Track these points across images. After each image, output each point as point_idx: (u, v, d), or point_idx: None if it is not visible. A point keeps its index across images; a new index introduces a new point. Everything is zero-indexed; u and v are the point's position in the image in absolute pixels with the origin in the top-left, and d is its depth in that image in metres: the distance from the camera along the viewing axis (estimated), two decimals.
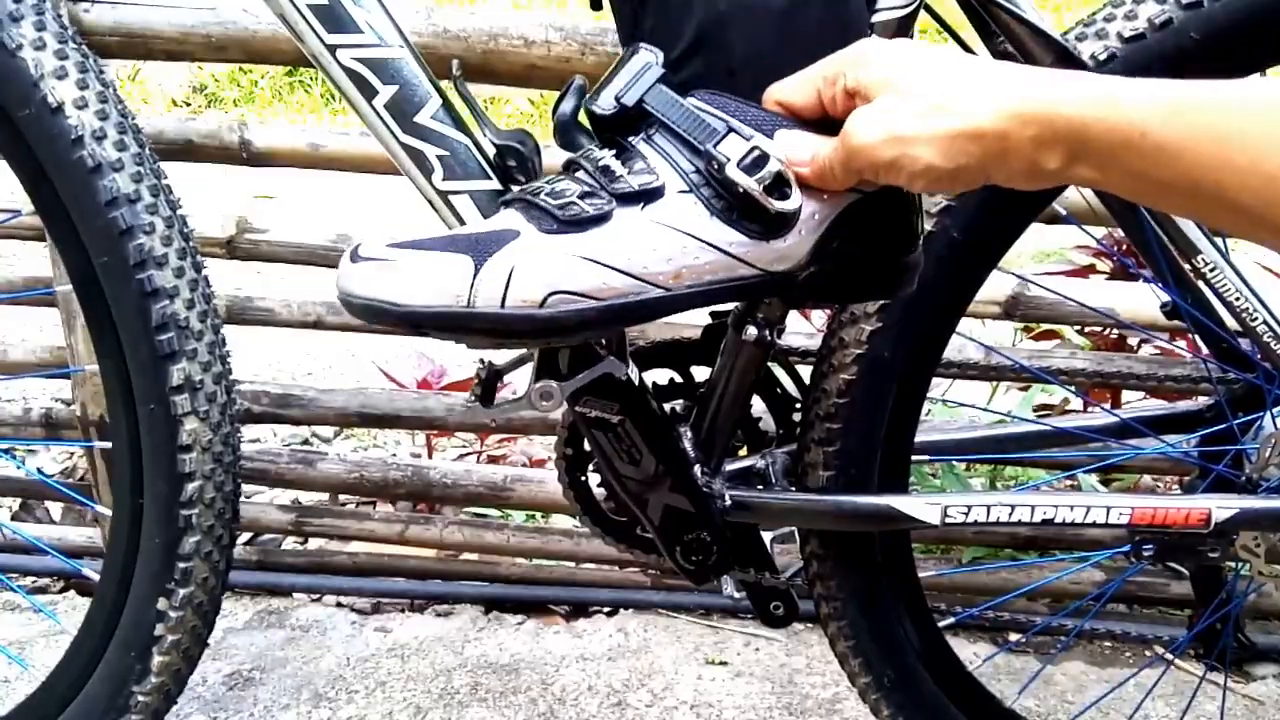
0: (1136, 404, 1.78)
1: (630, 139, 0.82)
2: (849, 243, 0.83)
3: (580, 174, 0.83)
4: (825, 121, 0.76)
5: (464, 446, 2.29)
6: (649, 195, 0.80)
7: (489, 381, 0.97)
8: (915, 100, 0.66)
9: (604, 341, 0.94)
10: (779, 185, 0.78)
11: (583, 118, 0.87)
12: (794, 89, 0.77)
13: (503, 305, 0.79)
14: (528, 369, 0.95)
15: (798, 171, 0.77)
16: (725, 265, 0.81)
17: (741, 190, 0.78)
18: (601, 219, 0.80)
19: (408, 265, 0.79)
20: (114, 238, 1.01)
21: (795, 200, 0.78)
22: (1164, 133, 0.58)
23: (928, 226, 0.95)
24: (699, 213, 0.80)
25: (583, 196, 0.81)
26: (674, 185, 0.80)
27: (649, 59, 0.82)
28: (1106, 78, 0.63)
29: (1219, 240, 1.03)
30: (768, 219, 0.79)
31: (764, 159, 0.77)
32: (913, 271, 0.88)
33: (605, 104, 0.82)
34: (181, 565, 1.10)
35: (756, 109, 0.79)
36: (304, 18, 0.89)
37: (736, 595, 1.10)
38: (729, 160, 0.78)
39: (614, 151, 0.83)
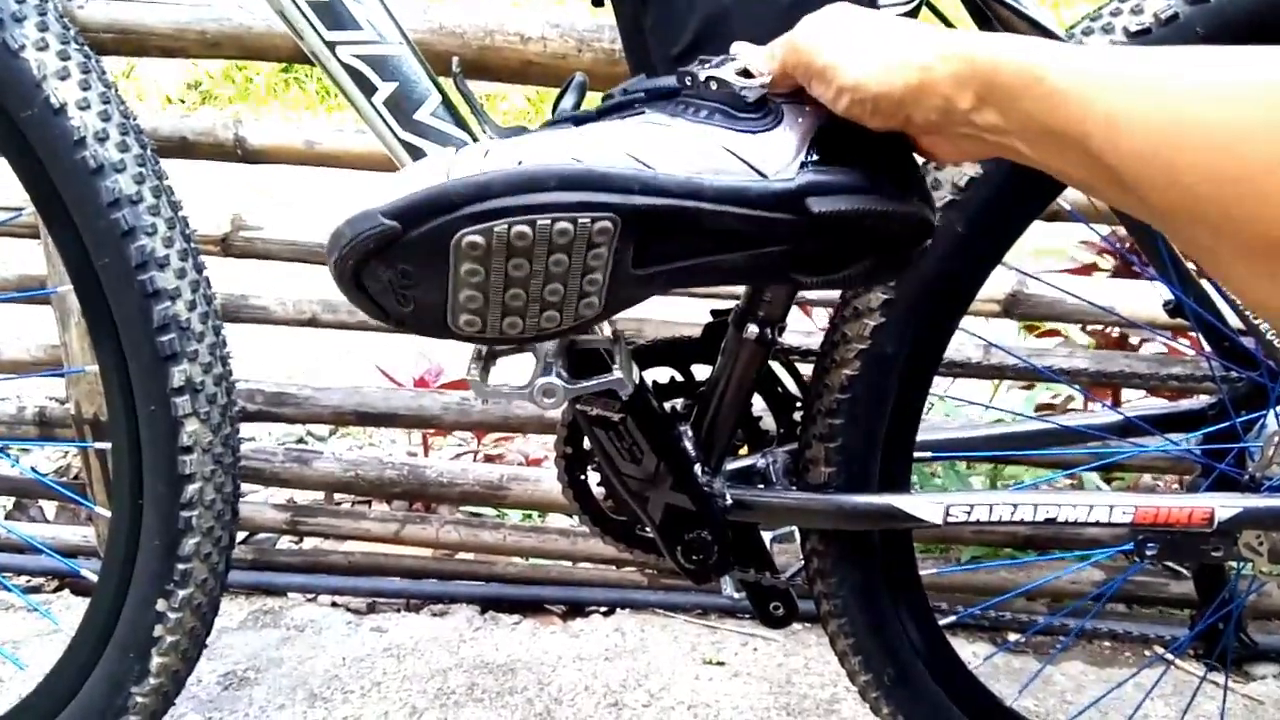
0: (1139, 402, 1.79)
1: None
2: (833, 154, 0.78)
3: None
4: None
5: (460, 445, 2.29)
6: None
7: (488, 359, 0.96)
8: (863, 29, 0.69)
9: (614, 355, 0.93)
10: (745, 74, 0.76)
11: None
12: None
13: (483, 169, 0.75)
14: (526, 357, 0.94)
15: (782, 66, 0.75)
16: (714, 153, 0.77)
17: (708, 80, 0.76)
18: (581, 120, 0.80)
19: (390, 184, 0.76)
20: (116, 239, 1.01)
21: (762, 79, 0.76)
22: (1060, 78, 0.58)
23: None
24: (671, 113, 0.78)
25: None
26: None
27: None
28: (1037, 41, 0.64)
29: None
30: (746, 105, 0.76)
31: (727, 60, 0.76)
32: (921, 231, 0.82)
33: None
34: (181, 567, 1.10)
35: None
36: (303, 14, 0.89)
37: (736, 595, 1.09)
38: (702, 67, 0.76)
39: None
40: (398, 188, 0.74)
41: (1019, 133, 0.63)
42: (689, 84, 0.77)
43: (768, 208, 0.75)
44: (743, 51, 0.77)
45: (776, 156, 0.76)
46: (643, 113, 0.78)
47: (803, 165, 0.75)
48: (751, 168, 0.75)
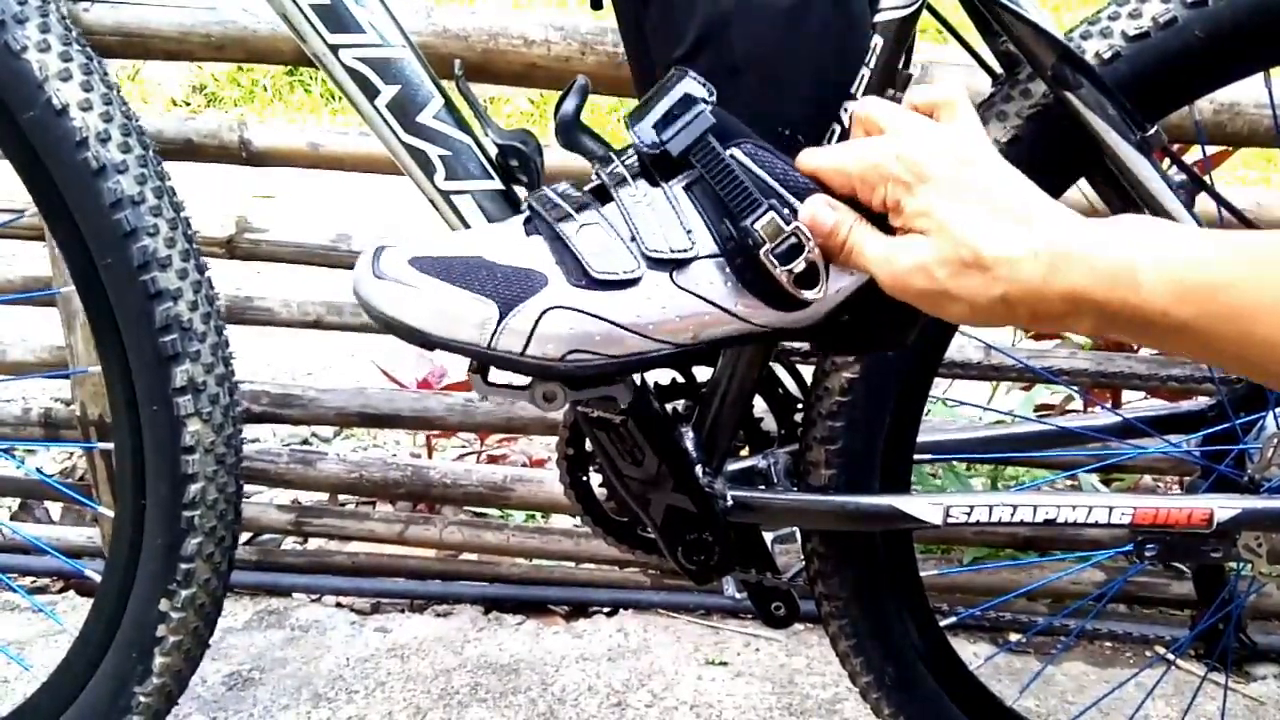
0: (1138, 403, 1.78)
1: (668, 185, 0.81)
2: (861, 315, 0.84)
3: (612, 216, 0.81)
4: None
5: (464, 446, 2.29)
6: (681, 263, 0.80)
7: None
8: (953, 249, 0.67)
9: None
10: (809, 275, 0.78)
11: (584, 118, 0.87)
12: (831, 172, 0.75)
13: (522, 353, 0.80)
14: None
15: (816, 238, 0.76)
16: (741, 328, 0.82)
17: (770, 273, 0.78)
18: (631, 283, 0.80)
19: (432, 297, 0.80)
20: (118, 240, 1.01)
21: (821, 292, 0.78)
22: (1184, 314, 0.60)
23: None
24: (725, 280, 0.80)
25: (613, 249, 0.80)
26: (705, 248, 0.80)
27: (699, 97, 0.80)
28: (1133, 234, 0.64)
29: None
30: (792, 299, 0.79)
31: (799, 247, 0.76)
32: (918, 329, 0.88)
33: (646, 139, 0.80)
34: (184, 567, 1.10)
35: (799, 176, 0.78)
36: (306, 18, 0.89)
37: (738, 595, 1.10)
38: (764, 244, 0.77)
39: (646, 196, 0.81)
40: (438, 321, 0.80)
41: (1144, 344, 0.67)
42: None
43: None
44: (814, 216, 0.76)
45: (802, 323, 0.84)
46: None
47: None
48: (776, 330, 0.84)
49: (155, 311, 1.03)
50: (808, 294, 0.78)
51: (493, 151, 0.92)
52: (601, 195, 0.83)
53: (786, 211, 0.77)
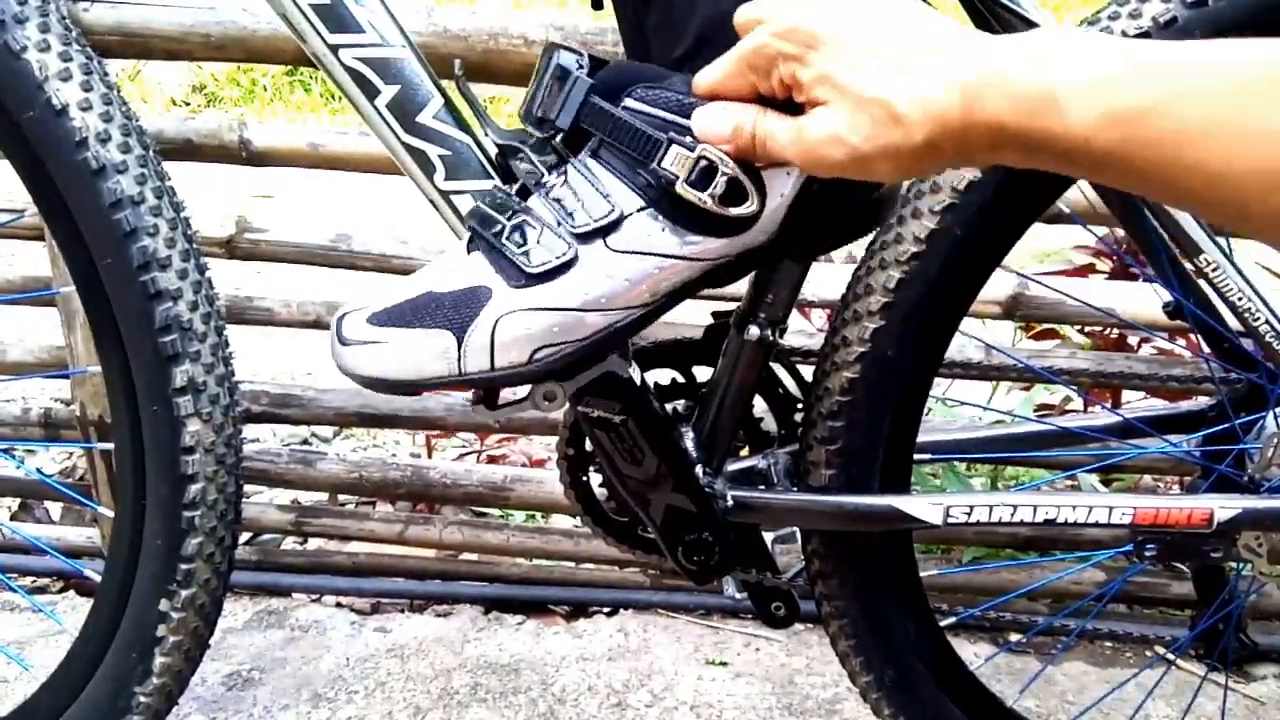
0: (1138, 404, 1.78)
1: (576, 159, 0.82)
2: (817, 211, 0.82)
3: (536, 207, 0.82)
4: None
5: (464, 446, 2.29)
6: (609, 227, 0.80)
7: None
8: (862, 109, 0.64)
9: None
10: (733, 191, 0.77)
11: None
12: (724, 80, 0.73)
13: (492, 368, 0.82)
14: None
15: (721, 147, 0.75)
16: (694, 268, 0.81)
17: (698, 204, 0.77)
18: (568, 265, 0.80)
19: (395, 345, 0.82)
20: (118, 240, 1.01)
21: (754, 202, 0.78)
22: (1107, 141, 0.56)
23: (931, 225, 0.94)
24: (660, 227, 0.80)
25: (544, 239, 0.80)
26: (630, 204, 0.80)
27: (570, 66, 0.80)
28: (1055, 55, 0.59)
29: (1222, 240, 1.03)
30: (730, 221, 0.79)
31: (712, 169, 0.76)
32: (888, 204, 0.88)
33: (536, 124, 0.82)
34: (184, 567, 1.10)
35: (696, 100, 0.76)
36: (306, 18, 0.89)
37: (738, 595, 1.10)
38: (677, 178, 0.77)
39: (560, 178, 0.82)
40: (409, 366, 0.83)
41: (1065, 172, 0.61)
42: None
43: None
44: (704, 126, 0.75)
45: (756, 240, 0.83)
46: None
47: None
48: (734, 257, 0.84)
49: (155, 312, 1.03)
50: (741, 209, 0.78)
51: (493, 151, 0.93)
52: (524, 193, 0.84)
53: (689, 139, 0.76)
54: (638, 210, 0.80)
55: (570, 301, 0.80)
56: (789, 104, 0.70)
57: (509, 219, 0.82)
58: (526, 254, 0.80)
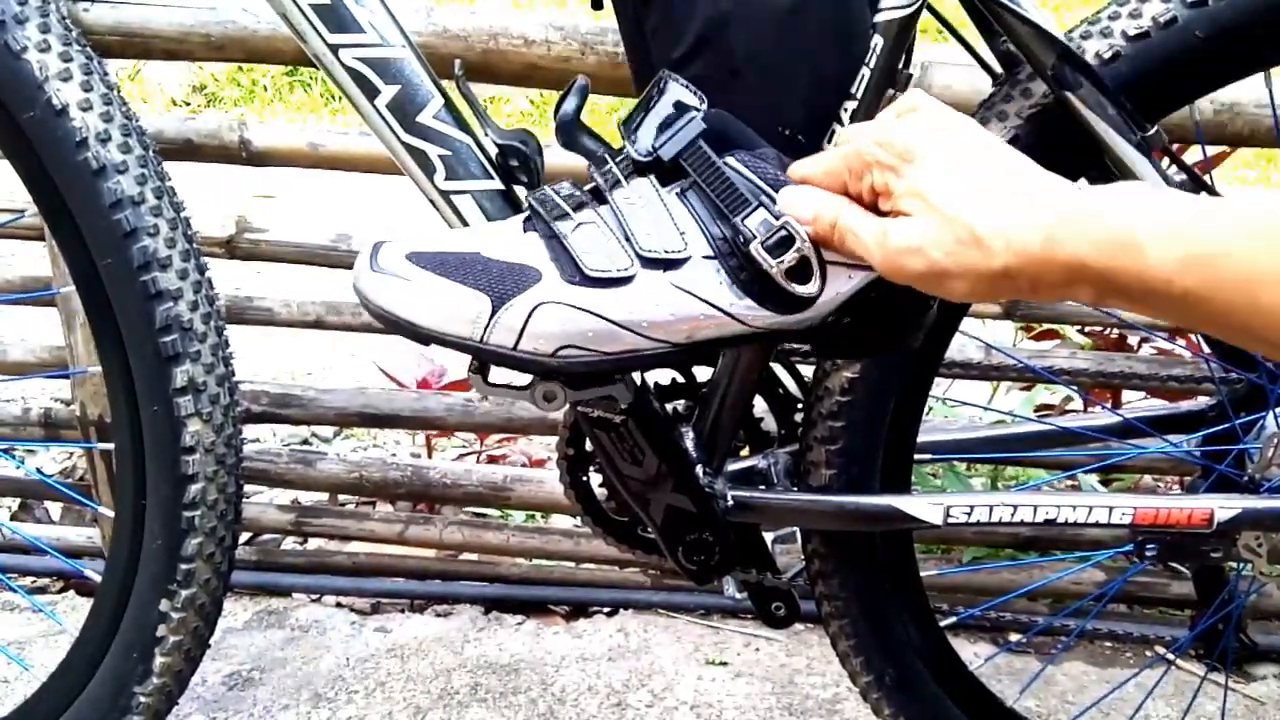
0: (1138, 404, 1.78)
1: (663, 190, 0.82)
2: (862, 317, 0.84)
3: (607, 215, 0.82)
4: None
5: (464, 446, 2.29)
6: (674, 263, 0.80)
7: None
8: (948, 227, 0.66)
9: None
10: (800, 269, 0.78)
11: (584, 118, 0.87)
12: (819, 174, 0.76)
13: (514, 348, 0.81)
14: None
15: (803, 224, 0.76)
16: (734, 329, 0.82)
17: (763, 269, 0.78)
18: (624, 280, 0.80)
19: (427, 290, 0.80)
20: (118, 240, 1.01)
21: (815, 286, 0.78)
22: (1189, 282, 0.59)
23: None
24: (720, 280, 0.80)
25: (608, 248, 0.80)
26: (699, 249, 0.80)
27: (690, 104, 0.81)
28: (1134, 202, 0.62)
29: None
30: (787, 297, 0.79)
31: (789, 240, 0.77)
32: (923, 331, 0.88)
33: (641, 148, 0.82)
34: (184, 567, 1.10)
35: (790, 181, 0.78)
36: (306, 18, 0.89)
37: (738, 596, 1.10)
38: (755, 238, 0.77)
39: (641, 198, 0.82)
40: (432, 314, 0.81)
41: (1146, 314, 0.65)
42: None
43: None
44: (791, 203, 0.77)
45: (801, 325, 0.83)
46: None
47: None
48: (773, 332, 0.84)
49: (155, 312, 1.03)
50: (802, 289, 0.78)
51: (493, 151, 0.93)
52: (598, 196, 0.84)
53: (776, 208, 0.77)
54: (704, 257, 0.80)
55: (614, 314, 0.80)
56: (875, 213, 0.72)
57: (576, 213, 0.82)
58: (589, 254, 0.80)
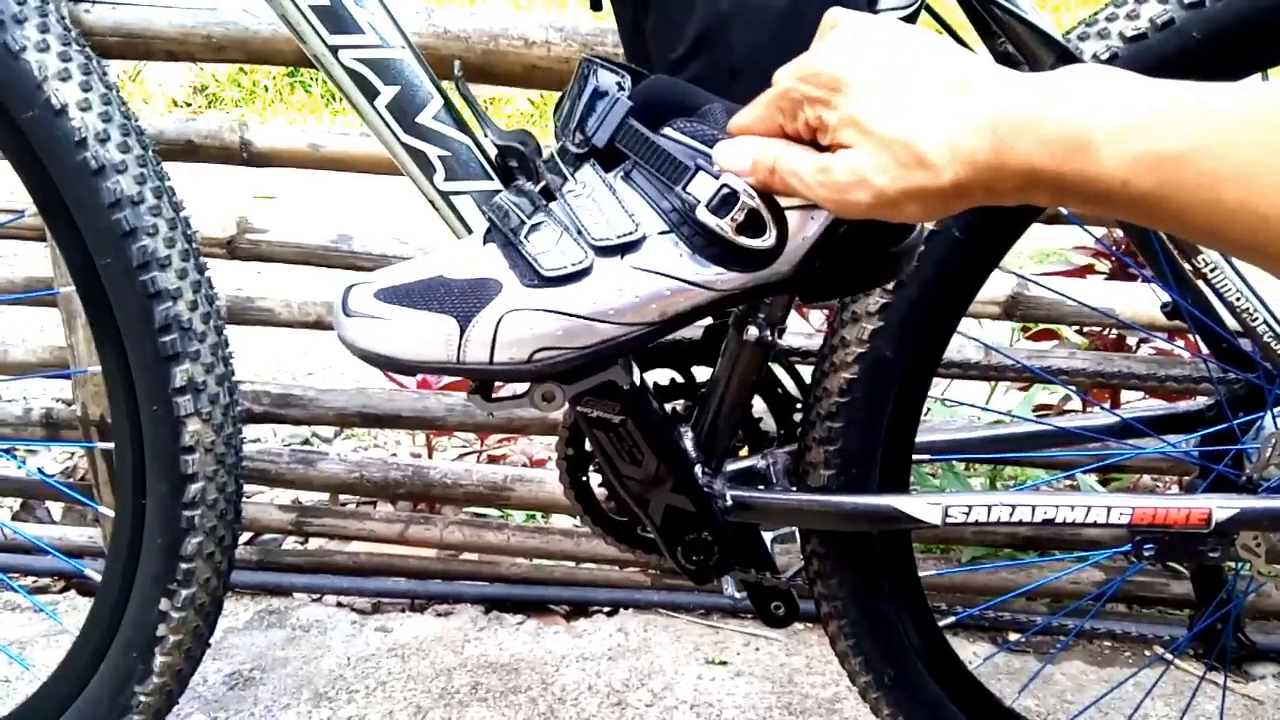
0: (1136, 404, 1.79)
1: (607, 175, 0.82)
2: (836, 257, 0.83)
3: (558, 212, 0.83)
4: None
5: (464, 446, 2.29)
6: (630, 246, 0.80)
7: None
8: (887, 151, 0.62)
9: None
10: (752, 222, 0.77)
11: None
12: (753, 121, 0.73)
13: (491, 361, 0.82)
14: None
15: (741, 175, 0.74)
16: (707, 296, 0.82)
17: (717, 231, 0.78)
18: (582, 274, 0.81)
19: (398, 323, 0.82)
20: (117, 240, 1.01)
21: (770, 237, 0.78)
22: (1146, 184, 0.55)
23: (929, 226, 0.95)
24: (680, 253, 0.80)
25: (562, 244, 0.81)
26: (653, 226, 0.80)
27: (611, 87, 0.81)
28: (1086, 94, 0.58)
29: None
30: (747, 253, 0.79)
31: (733, 196, 0.76)
32: (908, 257, 0.88)
33: (575, 139, 0.83)
34: (184, 566, 1.11)
35: (724, 135, 0.77)
36: (306, 19, 0.89)
37: (737, 595, 1.10)
38: (699, 202, 0.77)
39: (585, 188, 0.82)
40: (408, 345, 0.83)
41: (1099, 214, 0.61)
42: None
43: None
44: (724, 157, 0.75)
45: (772, 279, 0.83)
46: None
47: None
48: (746, 290, 0.84)
49: (155, 311, 1.03)
50: (757, 242, 0.78)
51: (492, 152, 0.93)
52: (548, 194, 0.85)
53: (716, 168, 0.76)
54: (659, 233, 0.80)
55: (579, 309, 0.80)
56: (816, 147, 0.69)
57: (530, 217, 0.83)
58: (544, 255, 0.81)
